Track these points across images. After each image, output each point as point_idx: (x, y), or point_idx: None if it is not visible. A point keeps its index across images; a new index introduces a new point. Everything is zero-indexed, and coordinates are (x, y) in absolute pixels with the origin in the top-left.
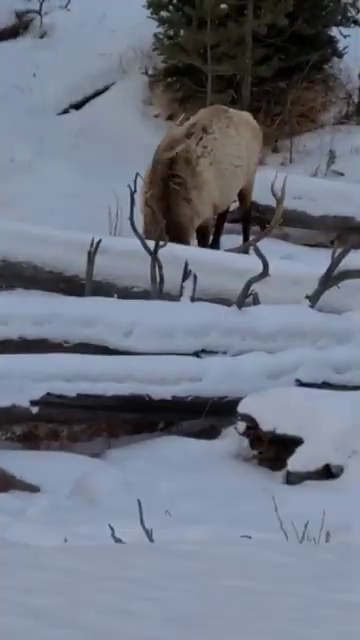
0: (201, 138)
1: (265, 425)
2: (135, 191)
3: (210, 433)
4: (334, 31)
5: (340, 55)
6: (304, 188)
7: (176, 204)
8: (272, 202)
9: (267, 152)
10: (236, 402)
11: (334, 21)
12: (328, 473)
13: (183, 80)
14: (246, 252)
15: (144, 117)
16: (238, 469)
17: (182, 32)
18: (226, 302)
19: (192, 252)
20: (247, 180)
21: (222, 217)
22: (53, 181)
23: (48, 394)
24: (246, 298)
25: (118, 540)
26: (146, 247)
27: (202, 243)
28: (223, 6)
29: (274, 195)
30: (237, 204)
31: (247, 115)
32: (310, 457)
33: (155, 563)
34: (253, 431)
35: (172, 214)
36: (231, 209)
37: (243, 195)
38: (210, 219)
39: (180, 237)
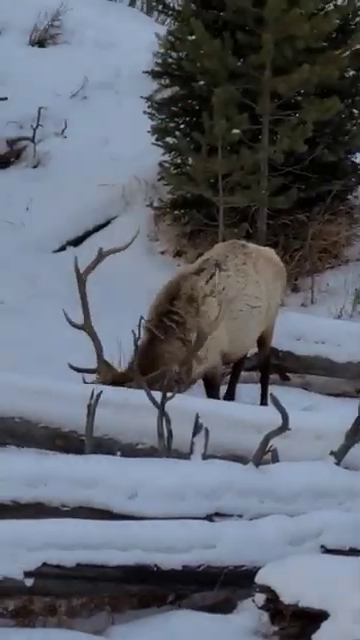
0: (212, 275)
1: (287, 597)
2: (139, 338)
3: (225, 606)
4: (358, 158)
5: None
6: (327, 331)
7: (164, 340)
8: (293, 348)
9: (286, 291)
10: (254, 571)
11: (358, 147)
12: None
13: (192, 213)
14: (264, 403)
15: (149, 254)
16: None
17: (190, 160)
18: (242, 459)
19: (203, 404)
20: (267, 324)
21: (238, 365)
22: (47, 326)
23: (44, 564)
24: (264, 455)
25: None
26: (152, 399)
27: (211, 393)
28: (235, 131)
29: None
30: (255, 349)
31: (269, 251)
32: (338, 633)
33: None
34: (273, 604)
35: (155, 348)
36: (249, 355)
37: (262, 340)
38: (218, 367)
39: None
